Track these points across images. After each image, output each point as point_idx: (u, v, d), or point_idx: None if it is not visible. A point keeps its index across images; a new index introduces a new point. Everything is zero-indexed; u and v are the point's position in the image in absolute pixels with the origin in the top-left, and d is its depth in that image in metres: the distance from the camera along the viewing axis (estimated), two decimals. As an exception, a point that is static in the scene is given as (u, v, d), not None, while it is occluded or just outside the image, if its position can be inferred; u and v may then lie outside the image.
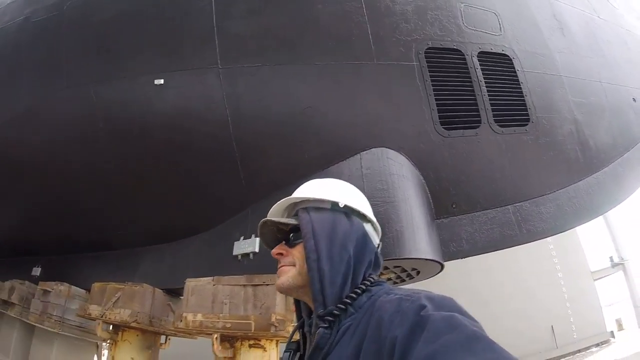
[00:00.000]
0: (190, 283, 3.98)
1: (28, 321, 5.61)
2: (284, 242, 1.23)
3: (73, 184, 4.76)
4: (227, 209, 4.22)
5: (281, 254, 1.21)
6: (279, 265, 1.21)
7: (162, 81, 4.05)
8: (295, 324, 1.28)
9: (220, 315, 3.81)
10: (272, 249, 1.24)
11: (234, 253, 4.02)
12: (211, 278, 3.90)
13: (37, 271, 6.11)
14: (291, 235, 1.22)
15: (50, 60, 4.65)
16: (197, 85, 4.04)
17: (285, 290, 1.20)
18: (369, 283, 1.09)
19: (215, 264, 4.13)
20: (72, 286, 5.21)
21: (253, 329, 3.66)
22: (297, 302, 1.25)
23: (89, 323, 5.34)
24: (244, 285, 3.82)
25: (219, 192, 4.25)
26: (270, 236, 1.28)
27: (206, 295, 3.90)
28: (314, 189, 1.27)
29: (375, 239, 1.24)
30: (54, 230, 5.36)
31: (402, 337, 0.80)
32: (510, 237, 4.26)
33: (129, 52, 4.30)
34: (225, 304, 3.84)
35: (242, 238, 4.03)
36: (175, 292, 4.62)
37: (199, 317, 3.87)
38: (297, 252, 1.16)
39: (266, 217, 1.25)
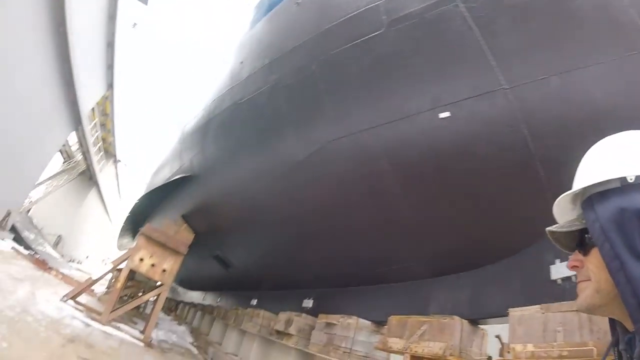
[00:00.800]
0: (515, 313, 3.91)
1: (308, 351, 6.16)
2: (578, 247, 0.97)
3: (355, 222, 5.15)
4: (530, 231, 4.09)
5: (576, 266, 0.97)
6: (576, 281, 0.97)
7: (448, 114, 4.07)
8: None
9: (554, 344, 3.69)
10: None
11: (553, 277, 3.85)
12: (539, 306, 3.79)
13: (308, 303, 6.84)
14: (586, 236, 0.94)
15: (313, 113, 5.14)
16: (486, 110, 3.94)
17: (585, 312, 0.95)
18: None
19: (530, 290, 3.98)
20: (360, 319, 5.56)
21: (595, 355, 3.47)
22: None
23: (374, 353, 5.71)
24: (577, 310, 3.65)
25: (520, 215, 4.08)
26: (567, 238, 1.01)
27: (535, 324, 3.77)
28: (594, 165, 0.98)
29: None
30: (331, 265, 5.87)
31: None
32: None
33: (402, 92, 4.44)
34: (559, 332, 3.72)
35: (557, 261, 3.88)
36: (473, 321, 4.58)
37: (530, 347, 3.75)
38: (591, 263, 0.91)
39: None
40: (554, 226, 1.02)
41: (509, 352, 3.95)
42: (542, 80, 3.83)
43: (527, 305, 3.87)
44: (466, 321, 4.46)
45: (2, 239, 11.95)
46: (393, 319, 4.91)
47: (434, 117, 4.11)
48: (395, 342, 4.77)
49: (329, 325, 5.93)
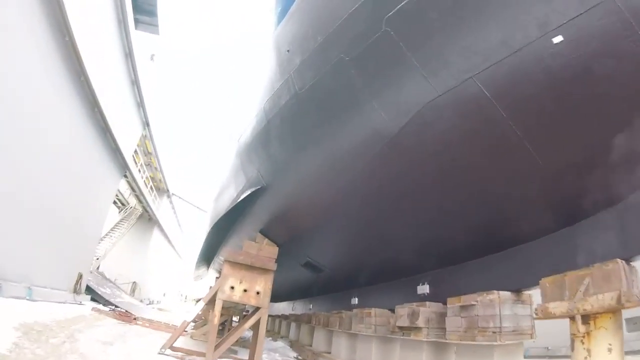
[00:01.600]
0: None
1: (445, 341, 5.51)
2: None
3: (468, 186, 4.51)
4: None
5: None
6: None
7: (560, 38, 3.41)
8: None
9: None
10: None
11: None
12: None
13: (424, 289, 6.20)
14: None
15: (398, 78, 4.51)
16: (597, 23, 3.24)
17: None
18: None
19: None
20: (500, 292, 4.87)
21: None
22: None
23: (521, 324, 5.00)
24: None
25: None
26: None
27: None
28: None
29: None
30: (443, 242, 5.22)
31: None
32: None
33: (501, 24, 3.70)
34: None
35: None
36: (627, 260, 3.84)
37: None
38: None
39: None
40: None
41: None
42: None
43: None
44: (624, 262, 3.76)
45: (81, 303, 12.12)
46: (546, 282, 4.17)
47: (547, 44, 3.44)
48: (557, 306, 4.02)
49: (464, 307, 5.24)
